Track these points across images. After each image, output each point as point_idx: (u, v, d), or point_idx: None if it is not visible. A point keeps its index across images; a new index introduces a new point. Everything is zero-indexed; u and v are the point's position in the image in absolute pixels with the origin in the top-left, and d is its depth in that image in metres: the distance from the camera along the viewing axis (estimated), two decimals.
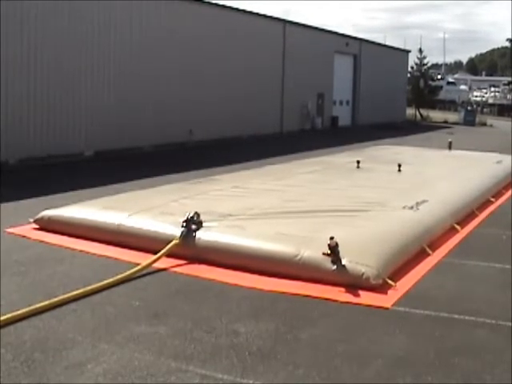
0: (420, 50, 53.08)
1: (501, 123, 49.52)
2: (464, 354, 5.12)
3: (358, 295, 6.40)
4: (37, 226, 8.83)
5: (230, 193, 10.51)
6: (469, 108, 49.28)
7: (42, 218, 8.85)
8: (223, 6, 25.00)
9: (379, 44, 43.05)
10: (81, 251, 7.81)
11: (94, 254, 7.70)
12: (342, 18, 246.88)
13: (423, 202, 9.73)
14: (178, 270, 7.17)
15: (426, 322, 5.82)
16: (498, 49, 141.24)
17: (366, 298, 6.34)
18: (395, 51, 45.00)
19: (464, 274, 7.46)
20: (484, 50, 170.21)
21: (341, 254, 6.66)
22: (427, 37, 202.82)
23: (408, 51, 47.95)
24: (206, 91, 23.47)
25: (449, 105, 63.55)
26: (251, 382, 4.56)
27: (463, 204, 10.61)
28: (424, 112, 50.96)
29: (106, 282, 6.49)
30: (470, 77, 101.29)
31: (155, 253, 7.29)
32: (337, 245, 6.64)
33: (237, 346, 5.12)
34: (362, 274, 6.58)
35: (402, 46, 46.37)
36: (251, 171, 14.27)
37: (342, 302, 6.24)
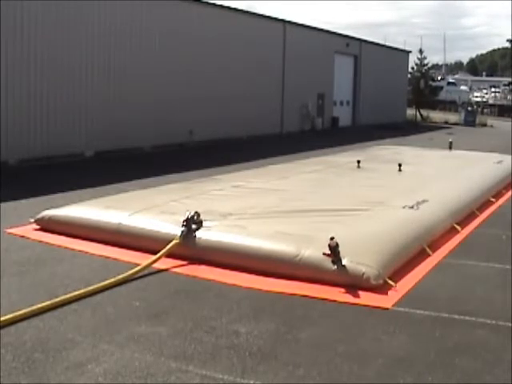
0: (420, 51, 53.04)
1: (501, 124, 49.50)
2: (464, 354, 5.12)
3: (358, 295, 6.40)
4: (37, 226, 8.83)
5: (231, 192, 10.50)
6: (469, 108, 49.15)
7: (42, 218, 8.85)
8: (223, 7, 24.99)
9: (379, 44, 43.04)
10: (81, 251, 7.81)
11: (94, 254, 7.70)
12: (312, 15, 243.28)
13: (423, 201, 9.72)
14: (178, 270, 7.17)
15: (427, 323, 5.82)
16: (499, 49, 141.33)
17: (366, 298, 6.34)
18: (396, 52, 45.00)
19: (464, 274, 7.45)
20: (484, 51, 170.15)
21: (341, 254, 6.66)
22: (402, 34, 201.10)
23: (409, 51, 47.95)
24: (206, 91, 23.45)
25: (449, 105, 63.37)
26: (251, 382, 4.56)
27: (463, 204, 10.61)
28: (424, 112, 50.89)
29: (106, 282, 6.49)
30: (470, 77, 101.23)
31: (155, 253, 7.29)
32: (337, 245, 6.63)
33: (237, 347, 5.12)
34: (363, 274, 6.58)
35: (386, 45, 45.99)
36: (252, 171, 14.26)
37: (342, 302, 6.24)
